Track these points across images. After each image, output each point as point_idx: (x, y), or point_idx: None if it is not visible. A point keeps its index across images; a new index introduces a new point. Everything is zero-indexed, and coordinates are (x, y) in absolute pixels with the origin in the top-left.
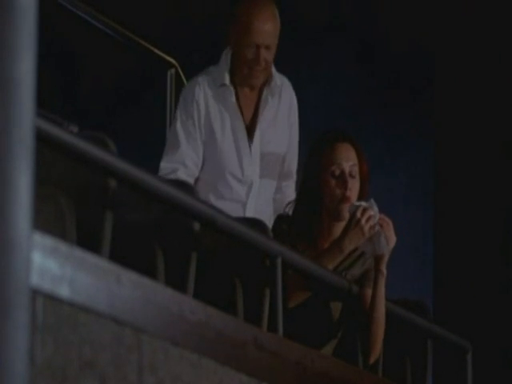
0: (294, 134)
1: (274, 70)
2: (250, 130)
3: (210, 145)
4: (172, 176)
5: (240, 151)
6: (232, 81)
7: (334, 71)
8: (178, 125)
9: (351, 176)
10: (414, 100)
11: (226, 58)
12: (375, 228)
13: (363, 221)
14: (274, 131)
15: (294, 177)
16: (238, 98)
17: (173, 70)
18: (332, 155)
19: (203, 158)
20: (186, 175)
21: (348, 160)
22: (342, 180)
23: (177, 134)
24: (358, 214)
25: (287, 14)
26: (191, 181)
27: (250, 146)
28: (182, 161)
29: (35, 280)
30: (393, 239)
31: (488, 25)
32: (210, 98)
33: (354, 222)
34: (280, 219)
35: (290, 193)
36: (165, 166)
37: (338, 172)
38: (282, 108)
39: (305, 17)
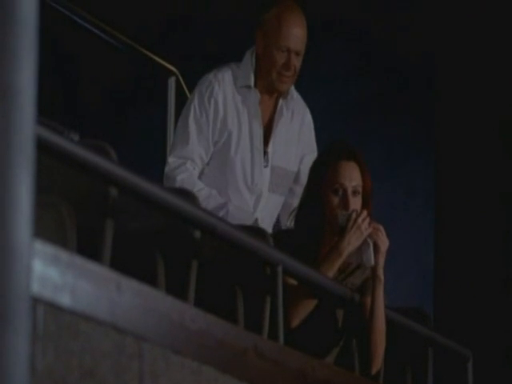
0: (307, 154)
1: (293, 87)
2: (265, 139)
3: (223, 147)
4: (178, 171)
5: (254, 159)
6: (255, 84)
7: (334, 76)
8: (191, 119)
9: (354, 195)
10: (414, 107)
11: (250, 58)
12: (369, 229)
13: (360, 220)
14: (284, 145)
15: None
16: (260, 106)
17: (173, 78)
18: (336, 173)
19: (212, 157)
20: (193, 170)
21: (351, 180)
22: (344, 200)
23: (188, 128)
24: (354, 215)
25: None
26: (198, 181)
27: (264, 156)
28: (191, 157)
29: (36, 288)
30: (385, 243)
31: (489, 31)
32: (230, 98)
33: (351, 223)
34: (279, 234)
35: None
36: (172, 160)
37: (340, 191)
38: (294, 124)
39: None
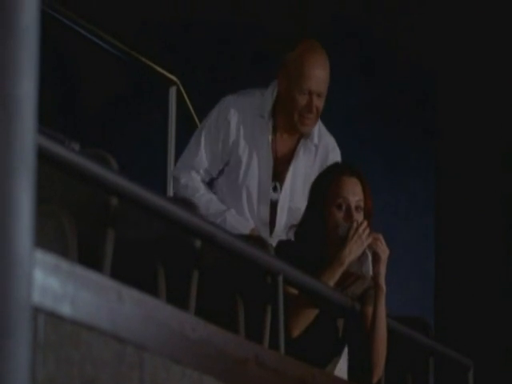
0: None
1: (319, 127)
2: (280, 178)
3: (232, 171)
4: (183, 175)
5: (260, 192)
6: (274, 121)
7: (335, 84)
8: (204, 133)
9: (357, 210)
10: (415, 116)
11: (272, 91)
12: (370, 239)
13: (360, 230)
14: (302, 186)
15: None
16: (275, 140)
17: (174, 88)
18: (339, 188)
19: (223, 175)
20: (196, 177)
21: (354, 195)
22: (348, 214)
23: (200, 141)
24: (355, 225)
25: (287, 31)
26: (201, 185)
27: (275, 193)
28: (197, 168)
29: (37, 298)
30: (385, 252)
31: (489, 42)
32: (244, 124)
33: (351, 233)
34: (281, 245)
35: None
36: (180, 165)
37: (344, 206)
38: (316, 164)
39: (305, 36)
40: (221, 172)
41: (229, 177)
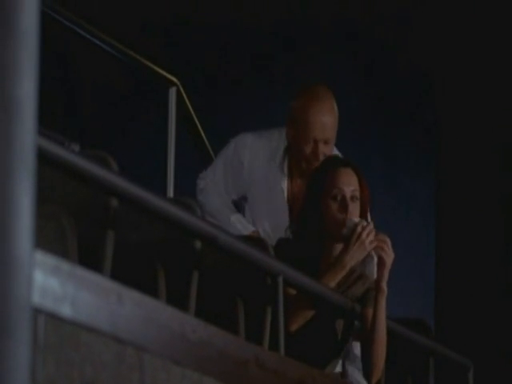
0: None
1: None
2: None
3: (249, 208)
4: (204, 182)
5: (276, 233)
6: (288, 166)
7: (335, 86)
8: (221, 161)
9: (352, 200)
10: (415, 116)
11: (284, 137)
12: (374, 244)
13: (364, 235)
14: None
15: None
16: (289, 184)
17: (174, 88)
18: (334, 180)
19: (246, 207)
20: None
21: (349, 185)
22: (343, 204)
23: (218, 165)
24: (359, 229)
25: (287, 33)
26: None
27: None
28: (215, 186)
29: (37, 299)
30: (391, 256)
31: (489, 42)
32: (258, 169)
33: (354, 237)
34: (280, 243)
35: None
36: (204, 175)
37: (339, 196)
38: None
39: (305, 37)
40: (241, 199)
41: (247, 212)
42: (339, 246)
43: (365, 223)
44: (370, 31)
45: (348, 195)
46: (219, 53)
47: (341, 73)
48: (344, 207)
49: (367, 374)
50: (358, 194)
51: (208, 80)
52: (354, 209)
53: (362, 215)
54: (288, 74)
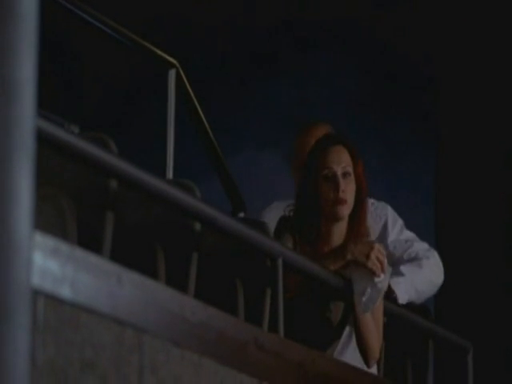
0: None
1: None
2: None
3: None
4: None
5: None
6: None
7: (335, 73)
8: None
9: (344, 177)
10: (415, 105)
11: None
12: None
13: (373, 256)
14: None
15: None
16: None
17: (174, 70)
18: (324, 159)
19: None
20: None
21: (339, 162)
22: (334, 183)
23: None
24: (373, 256)
25: (287, 16)
26: None
27: None
28: None
29: (36, 281)
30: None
31: (488, 29)
32: None
33: (366, 261)
34: (282, 220)
35: None
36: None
37: (330, 175)
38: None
39: (305, 19)
40: None
41: None
42: (335, 225)
43: (351, 196)
44: (371, 19)
45: (339, 172)
46: (219, 35)
47: (340, 61)
48: (335, 186)
49: (363, 356)
50: (350, 169)
51: (208, 62)
52: (348, 185)
53: (360, 191)
54: (287, 61)
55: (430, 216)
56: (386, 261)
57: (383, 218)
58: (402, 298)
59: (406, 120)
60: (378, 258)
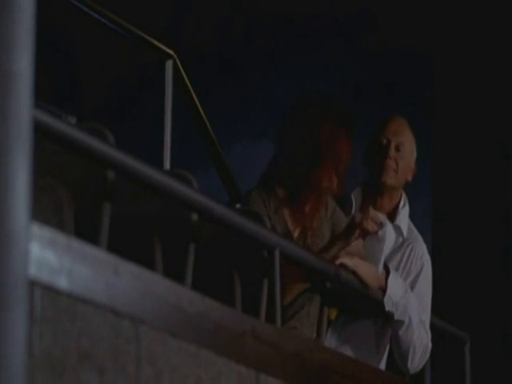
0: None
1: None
2: None
3: None
4: None
5: None
6: None
7: (333, 65)
8: None
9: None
10: (412, 101)
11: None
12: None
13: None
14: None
15: None
16: None
17: (171, 61)
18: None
19: None
20: None
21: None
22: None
23: None
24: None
25: (287, 10)
26: None
27: None
28: None
29: (33, 271)
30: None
31: (487, 25)
32: None
33: (355, 232)
34: (272, 164)
35: None
36: None
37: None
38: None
39: (304, 15)
40: None
41: None
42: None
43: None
44: (369, 9)
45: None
46: (217, 26)
47: (338, 51)
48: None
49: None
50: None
51: (205, 52)
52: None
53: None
54: (285, 52)
55: (426, 207)
56: (378, 215)
57: (417, 267)
58: (392, 293)
59: (403, 114)
60: (372, 218)
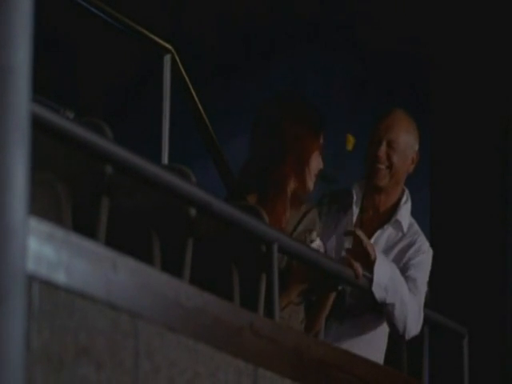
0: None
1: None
2: None
3: None
4: None
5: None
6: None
7: (332, 60)
8: None
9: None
10: (410, 97)
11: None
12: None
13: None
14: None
15: None
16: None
17: (169, 56)
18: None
19: None
20: None
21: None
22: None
23: None
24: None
25: (284, 9)
26: None
27: None
28: None
29: (31, 266)
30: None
31: (484, 24)
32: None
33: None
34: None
35: None
36: None
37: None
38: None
39: (301, 14)
40: None
41: None
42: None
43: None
44: (365, 4)
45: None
46: (215, 21)
47: (336, 47)
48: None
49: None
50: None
51: (203, 47)
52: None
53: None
54: (283, 46)
55: (425, 201)
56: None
57: (418, 249)
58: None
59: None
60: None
